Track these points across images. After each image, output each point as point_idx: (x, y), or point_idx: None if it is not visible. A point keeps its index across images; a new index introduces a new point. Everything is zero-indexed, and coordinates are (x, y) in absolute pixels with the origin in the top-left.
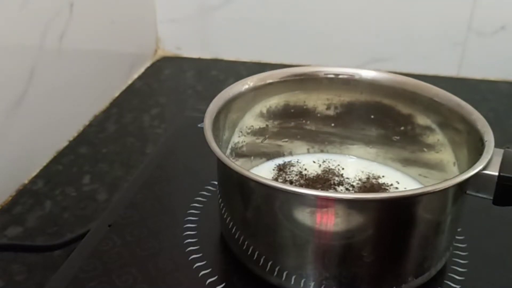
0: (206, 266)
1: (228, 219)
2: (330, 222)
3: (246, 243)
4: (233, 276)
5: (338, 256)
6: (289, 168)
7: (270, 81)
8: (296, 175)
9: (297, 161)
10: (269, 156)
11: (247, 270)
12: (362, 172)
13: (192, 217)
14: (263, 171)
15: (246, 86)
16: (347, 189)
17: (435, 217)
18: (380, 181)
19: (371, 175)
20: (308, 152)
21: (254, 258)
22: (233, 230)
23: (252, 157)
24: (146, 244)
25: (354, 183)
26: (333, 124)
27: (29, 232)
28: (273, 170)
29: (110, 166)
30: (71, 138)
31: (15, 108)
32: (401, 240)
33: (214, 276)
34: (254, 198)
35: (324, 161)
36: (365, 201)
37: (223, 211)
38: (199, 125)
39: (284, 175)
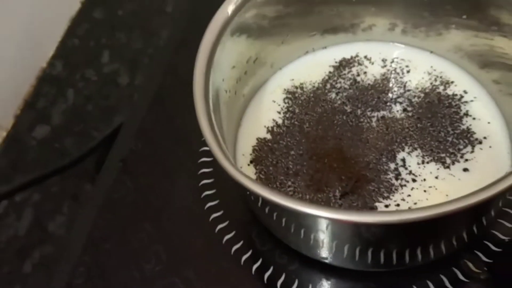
0: (223, 218)
1: None
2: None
3: None
4: (251, 232)
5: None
6: (348, 68)
7: None
8: (349, 80)
9: (365, 57)
10: (336, 31)
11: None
12: (430, 74)
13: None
14: (320, 65)
15: None
16: (404, 109)
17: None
18: (448, 91)
19: (439, 81)
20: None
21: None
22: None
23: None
24: (159, 189)
25: (414, 99)
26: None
27: (56, 132)
28: (330, 66)
29: (128, 35)
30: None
31: None
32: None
33: (232, 232)
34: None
35: (392, 61)
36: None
37: None
38: None
39: (335, 78)
